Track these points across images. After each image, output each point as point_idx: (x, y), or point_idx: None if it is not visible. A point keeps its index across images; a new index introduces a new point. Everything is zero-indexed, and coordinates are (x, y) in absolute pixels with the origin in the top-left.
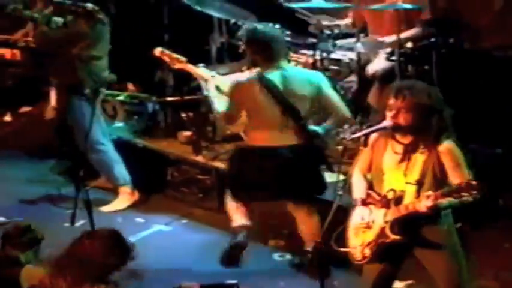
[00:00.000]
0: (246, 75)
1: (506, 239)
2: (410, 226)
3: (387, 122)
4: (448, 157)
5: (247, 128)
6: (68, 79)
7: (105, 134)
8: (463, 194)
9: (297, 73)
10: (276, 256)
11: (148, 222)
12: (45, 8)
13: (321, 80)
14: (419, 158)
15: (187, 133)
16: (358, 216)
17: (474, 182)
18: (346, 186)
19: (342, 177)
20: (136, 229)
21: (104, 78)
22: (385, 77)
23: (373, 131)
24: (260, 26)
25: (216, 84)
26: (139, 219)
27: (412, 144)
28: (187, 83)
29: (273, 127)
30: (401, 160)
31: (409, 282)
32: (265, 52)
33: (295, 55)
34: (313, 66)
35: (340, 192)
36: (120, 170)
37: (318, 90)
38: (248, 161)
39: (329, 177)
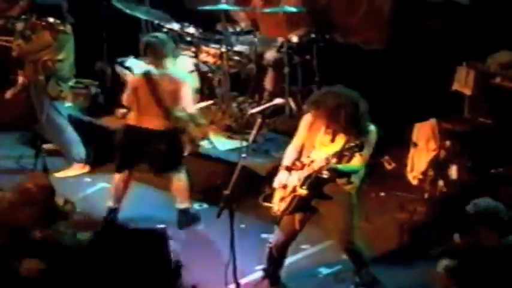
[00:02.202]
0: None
1: (372, 191)
2: (315, 184)
3: (278, 100)
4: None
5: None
6: (34, 80)
7: (65, 119)
8: (345, 153)
9: (171, 72)
10: (197, 206)
11: (94, 181)
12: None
13: (184, 81)
14: (341, 140)
15: (123, 110)
16: (278, 178)
17: (354, 143)
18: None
19: (244, 143)
20: (85, 186)
21: (65, 77)
22: (277, 65)
23: (267, 107)
24: (157, 34)
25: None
26: (87, 179)
27: (338, 130)
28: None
29: (148, 113)
30: (330, 140)
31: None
32: (153, 53)
33: (205, 48)
34: (220, 57)
35: (243, 155)
36: (79, 150)
37: (179, 88)
38: (132, 138)
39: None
